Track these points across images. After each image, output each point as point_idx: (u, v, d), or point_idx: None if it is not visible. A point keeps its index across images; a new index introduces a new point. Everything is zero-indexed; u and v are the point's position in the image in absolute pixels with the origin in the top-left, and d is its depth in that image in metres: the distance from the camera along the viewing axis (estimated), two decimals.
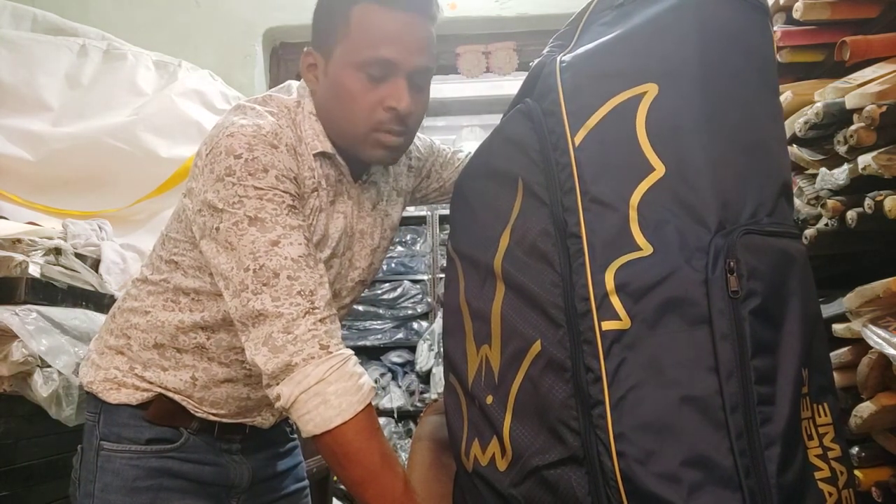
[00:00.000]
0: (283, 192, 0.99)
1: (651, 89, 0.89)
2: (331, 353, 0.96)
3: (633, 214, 0.86)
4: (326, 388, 0.94)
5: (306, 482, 1.35)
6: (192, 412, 1.14)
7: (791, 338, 0.84)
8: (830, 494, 0.83)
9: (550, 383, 0.88)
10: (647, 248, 0.85)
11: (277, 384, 0.96)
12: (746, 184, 0.88)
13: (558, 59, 0.97)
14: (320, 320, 0.96)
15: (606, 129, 0.90)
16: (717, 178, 0.86)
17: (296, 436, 1.34)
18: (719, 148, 0.88)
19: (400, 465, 0.98)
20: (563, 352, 0.87)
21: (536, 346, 0.90)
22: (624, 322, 0.84)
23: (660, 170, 0.86)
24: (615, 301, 0.84)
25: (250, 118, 1.03)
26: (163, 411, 1.13)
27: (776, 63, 1.00)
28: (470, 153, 1.33)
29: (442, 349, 1.16)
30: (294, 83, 1.16)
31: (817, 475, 0.83)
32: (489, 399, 0.96)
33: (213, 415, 1.16)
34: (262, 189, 0.98)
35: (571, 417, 0.85)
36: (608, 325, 0.84)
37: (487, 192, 1.03)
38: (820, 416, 0.87)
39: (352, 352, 1.00)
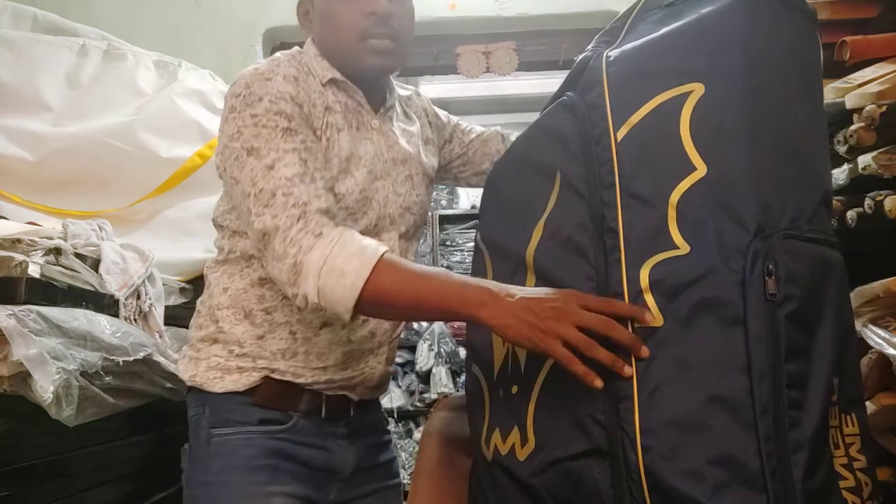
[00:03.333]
0: (277, 113, 1.07)
1: (697, 89, 0.89)
2: (324, 235, 1.01)
3: (671, 212, 0.86)
4: (335, 262, 0.99)
5: (400, 479, 1.34)
6: (301, 385, 1.16)
7: (824, 345, 0.84)
8: None
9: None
10: (684, 247, 0.85)
11: (298, 289, 1.00)
12: (788, 190, 0.88)
13: (605, 54, 0.97)
14: (309, 219, 1.02)
15: (650, 126, 0.90)
16: (759, 182, 0.86)
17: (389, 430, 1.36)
18: (762, 152, 0.88)
19: (433, 270, 1.01)
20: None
21: None
22: (657, 320, 0.84)
23: (701, 169, 0.86)
24: (649, 299, 0.85)
25: (251, 67, 1.14)
26: (271, 393, 1.15)
27: (822, 71, 0.99)
28: (485, 129, 1.47)
29: (466, 339, 1.17)
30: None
31: (842, 484, 0.83)
32: (514, 389, 0.96)
33: (322, 382, 1.17)
34: (256, 115, 1.06)
35: (598, 410, 0.86)
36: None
37: (523, 183, 1.03)
38: (848, 426, 0.87)
39: (351, 229, 1.05)
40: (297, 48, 1.23)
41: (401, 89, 1.34)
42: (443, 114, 1.44)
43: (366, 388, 1.22)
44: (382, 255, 0.99)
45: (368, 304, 0.98)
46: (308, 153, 1.08)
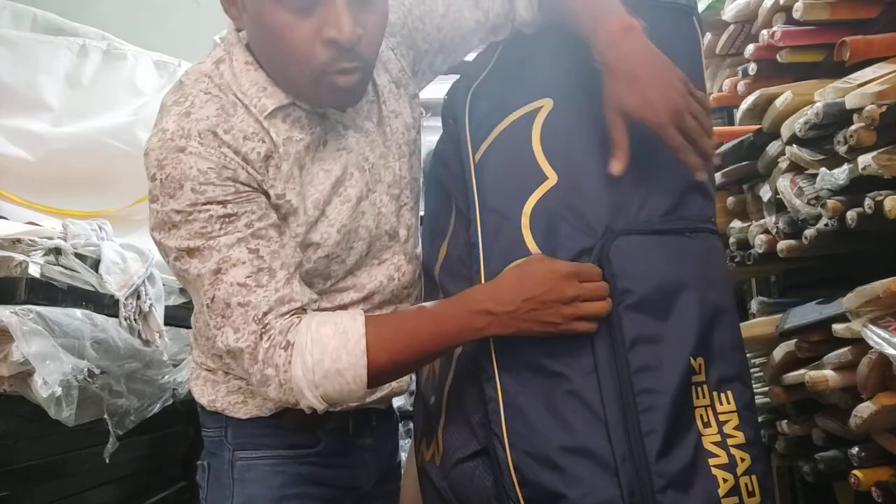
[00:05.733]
0: (206, 202, 0.85)
1: (546, 104, 0.95)
2: (294, 345, 0.87)
3: (525, 221, 0.92)
4: (323, 367, 0.87)
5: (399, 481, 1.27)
6: (330, 411, 1.02)
7: (681, 329, 0.89)
8: (725, 480, 0.86)
9: (467, 383, 0.96)
10: (536, 253, 0.91)
11: (299, 403, 0.89)
12: (639, 187, 0.93)
13: (471, 89, 1.04)
14: (272, 332, 0.87)
15: (504, 143, 0.97)
16: (606, 185, 0.92)
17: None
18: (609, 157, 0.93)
19: (417, 314, 0.95)
20: (476, 353, 0.94)
21: (459, 349, 0.98)
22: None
23: (552, 178, 0.93)
24: None
25: (159, 126, 0.90)
26: (298, 417, 1.01)
27: (698, 60, 1.04)
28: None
29: None
30: (217, 39, 1.01)
31: (712, 461, 0.87)
32: (432, 399, 1.04)
33: (353, 406, 1.04)
34: (182, 211, 0.85)
35: (481, 413, 0.93)
36: None
37: (436, 202, 1.11)
38: (721, 405, 0.90)
39: (307, 311, 0.90)
40: (217, 54, 0.93)
41: None
42: (396, 15, 1.00)
43: (391, 397, 1.13)
44: (364, 332, 0.88)
45: (377, 380, 0.90)
46: (256, 237, 0.87)
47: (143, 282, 1.68)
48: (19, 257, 1.39)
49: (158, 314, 1.71)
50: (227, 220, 0.86)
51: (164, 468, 1.86)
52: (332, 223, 0.94)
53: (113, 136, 1.93)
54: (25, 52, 1.93)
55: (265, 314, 0.87)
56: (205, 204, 0.85)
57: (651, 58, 0.90)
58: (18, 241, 1.44)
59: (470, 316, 0.89)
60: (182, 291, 1.91)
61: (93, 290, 1.56)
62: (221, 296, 0.87)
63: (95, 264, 1.63)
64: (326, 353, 0.87)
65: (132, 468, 1.73)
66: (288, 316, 0.88)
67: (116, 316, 1.58)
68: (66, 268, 1.51)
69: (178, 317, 1.81)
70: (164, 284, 1.77)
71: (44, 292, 1.42)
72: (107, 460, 1.51)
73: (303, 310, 0.90)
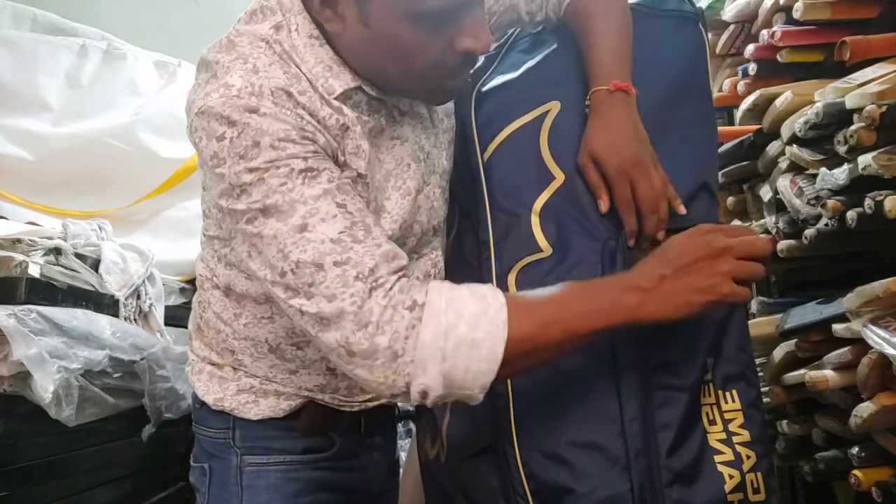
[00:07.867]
0: (288, 157, 0.75)
1: (554, 106, 0.97)
2: (424, 303, 0.74)
3: (535, 220, 0.93)
4: (460, 333, 0.73)
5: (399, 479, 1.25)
6: (345, 410, 0.98)
7: (695, 328, 0.89)
8: (731, 477, 0.87)
9: None
10: (547, 249, 0.92)
11: (409, 386, 0.74)
12: None
13: (477, 87, 1.05)
14: (389, 289, 0.75)
15: (513, 145, 0.98)
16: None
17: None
18: None
19: (560, 291, 0.80)
20: None
21: None
22: None
23: (560, 178, 0.94)
24: None
25: (216, 82, 0.79)
26: (312, 419, 0.97)
27: (705, 66, 1.05)
28: None
29: None
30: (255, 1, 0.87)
31: (717, 458, 0.88)
32: None
33: (370, 409, 1.00)
34: (257, 168, 0.75)
35: (487, 409, 0.91)
36: None
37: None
38: (727, 403, 0.92)
39: (443, 281, 0.79)
40: (274, 18, 0.83)
41: None
42: None
43: None
44: (505, 301, 0.76)
45: (512, 362, 0.75)
46: (342, 192, 0.77)
47: (143, 282, 1.69)
48: (19, 257, 1.39)
49: (158, 314, 1.71)
50: (308, 174, 0.76)
51: (165, 468, 1.86)
52: (394, 219, 0.88)
53: (113, 136, 1.94)
54: (25, 52, 1.93)
55: (372, 270, 0.74)
56: (287, 157, 0.75)
57: (628, 125, 0.91)
58: (18, 241, 1.44)
59: (618, 293, 0.79)
60: (182, 292, 1.91)
61: (93, 290, 1.56)
62: (309, 258, 0.74)
63: (95, 264, 1.63)
64: (463, 318, 0.74)
65: (132, 468, 1.73)
66: (400, 275, 0.77)
67: (116, 316, 1.59)
68: (66, 268, 1.52)
69: (178, 317, 1.81)
70: (164, 284, 1.77)
71: (44, 292, 1.42)
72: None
73: (407, 274, 0.79)
